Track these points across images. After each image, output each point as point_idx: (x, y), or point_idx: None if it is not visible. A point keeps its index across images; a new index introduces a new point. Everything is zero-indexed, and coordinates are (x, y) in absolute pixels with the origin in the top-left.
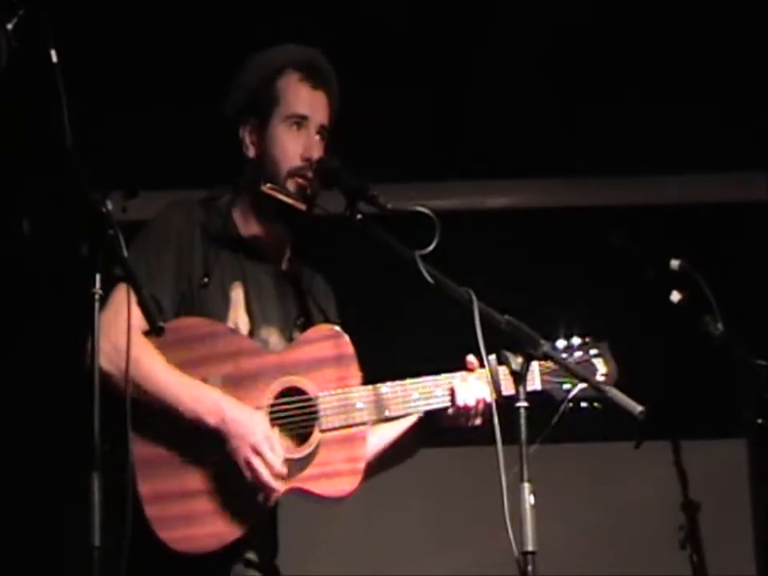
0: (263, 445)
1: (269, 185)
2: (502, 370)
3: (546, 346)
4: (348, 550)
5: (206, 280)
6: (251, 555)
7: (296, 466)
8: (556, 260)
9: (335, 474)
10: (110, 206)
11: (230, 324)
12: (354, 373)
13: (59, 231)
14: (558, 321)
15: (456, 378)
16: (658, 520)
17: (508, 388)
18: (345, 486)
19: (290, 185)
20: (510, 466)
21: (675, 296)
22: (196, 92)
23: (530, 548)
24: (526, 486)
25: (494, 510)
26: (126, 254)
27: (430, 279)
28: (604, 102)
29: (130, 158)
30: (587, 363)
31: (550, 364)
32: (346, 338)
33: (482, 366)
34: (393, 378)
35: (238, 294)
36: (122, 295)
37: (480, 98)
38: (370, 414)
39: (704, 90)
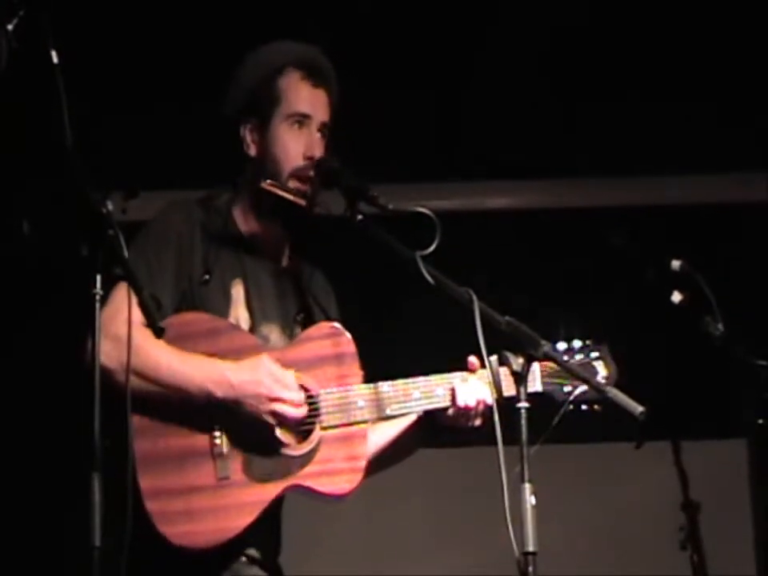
0: (275, 389)
1: (269, 181)
2: (503, 371)
3: (546, 347)
4: (348, 549)
5: (206, 277)
6: (254, 553)
7: (297, 462)
8: (556, 261)
9: (336, 472)
10: (110, 206)
11: (231, 321)
12: (355, 371)
13: (59, 231)
14: (559, 321)
15: (457, 378)
16: (658, 520)
17: (509, 389)
18: (345, 483)
19: (292, 184)
20: (511, 466)
21: (676, 296)
22: (196, 92)
23: (530, 548)
24: (527, 486)
25: (494, 510)
26: (126, 254)
27: (430, 280)
28: (604, 102)
29: (129, 158)
30: (588, 365)
31: (550, 365)
32: (348, 336)
33: (483, 366)
34: (393, 378)
35: (238, 291)
36: (122, 294)
37: (480, 98)
38: (370, 413)
39: (704, 90)
